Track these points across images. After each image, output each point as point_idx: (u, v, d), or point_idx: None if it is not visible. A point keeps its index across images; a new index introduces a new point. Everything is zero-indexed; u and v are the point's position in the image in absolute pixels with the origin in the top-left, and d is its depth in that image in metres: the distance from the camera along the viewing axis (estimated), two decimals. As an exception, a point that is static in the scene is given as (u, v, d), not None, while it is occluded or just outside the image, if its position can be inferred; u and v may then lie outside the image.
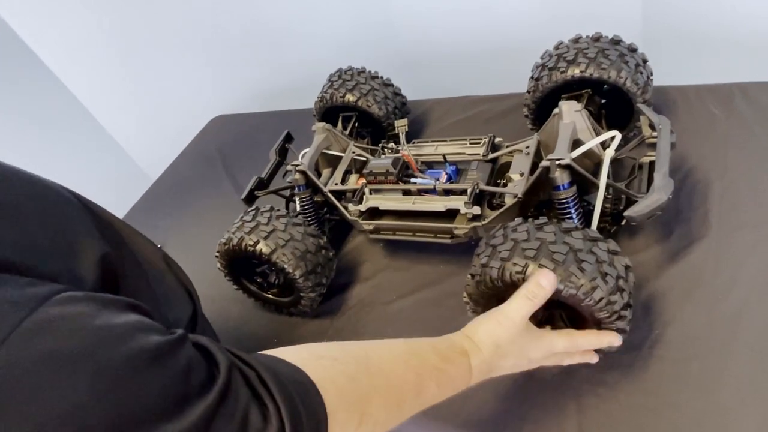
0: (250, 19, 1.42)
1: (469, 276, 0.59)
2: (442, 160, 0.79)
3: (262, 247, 0.72)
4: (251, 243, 0.72)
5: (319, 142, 0.86)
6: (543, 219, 0.57)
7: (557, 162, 0.61)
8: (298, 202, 0.84)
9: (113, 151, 1.61)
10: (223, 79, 1.54)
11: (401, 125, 0.81)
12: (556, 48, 0.76)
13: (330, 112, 0.97)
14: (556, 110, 0.68)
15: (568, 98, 0.77)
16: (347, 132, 0.95)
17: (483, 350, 0.50)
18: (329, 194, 0.82)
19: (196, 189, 1.22)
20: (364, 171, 0.81)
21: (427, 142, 0.85)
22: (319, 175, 0.90)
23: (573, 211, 0.63)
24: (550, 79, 0.74)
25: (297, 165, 0.82)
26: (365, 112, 0.93)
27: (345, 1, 1.44)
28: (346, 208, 0.81)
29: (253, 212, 0.77)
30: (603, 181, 0.63)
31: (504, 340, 0.51)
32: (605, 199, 0.65)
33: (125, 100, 1.56)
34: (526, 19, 1.20)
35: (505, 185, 0.73)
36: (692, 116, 0.82)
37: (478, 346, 0.50)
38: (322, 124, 0.86)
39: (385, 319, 0.77)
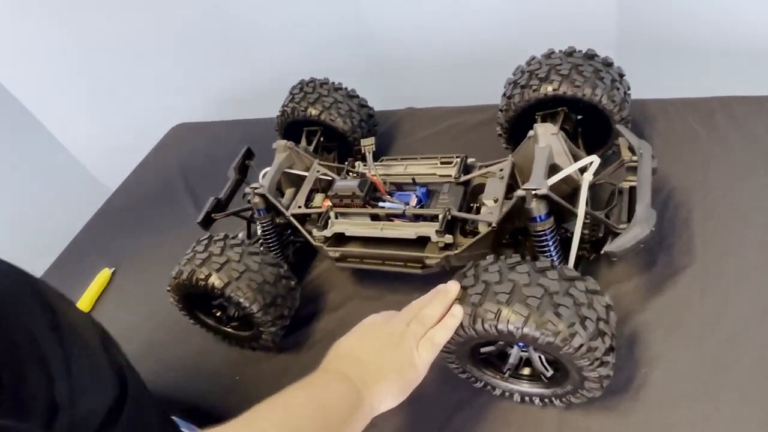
0: (213, 24, 1.34)
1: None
2: (412, 182, 0.74)
3: (215, 281, 0.66)
4: (202, 277, 0.66)
5: (280, 161, 0.80)
6: (515, 257, 0.52)
7: (534, 192, 0.56)
8: (259, 227, 0.78)
9: (69, 163, 1.52)
10: (186, 85, 1.47)
11: (367, 144, 0.75)
12: (528, 63, 0.72)
13: (293, 126, 0.91)
14: (531, 133, 0.63)
15: (543, 116, 0.73)
16: (312, 147, 0.89)
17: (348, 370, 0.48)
18: (292, 218, 0.76)
19: (153, 206, 1.14)
20: (329, 193, 0.75)
21: (396, 160, 0.79)
22: (281, 195, 0.84)
23: (551, 243, 0.58)
24: (522, 97, 0.70)
25: (256, 188, 0.75)
26: (330, 127, 0.87)
27: (313, 7, 1.39)
28: (310, 232, 0.76)
29: (206, 241, 0.71)
30: (581, 209, 0.58)
31: (356, 349, 0.51)
32: (583, 225, 0.61)
33: (79, 108, 1.47)
34: (499, 27, 1.16)
35: (478, 210, 0.68)
36: (672, 132, 0.78)
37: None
38: (284, 142, 0.80)
39: (352, 354, 0.71)
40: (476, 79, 1.42)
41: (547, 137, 0.62)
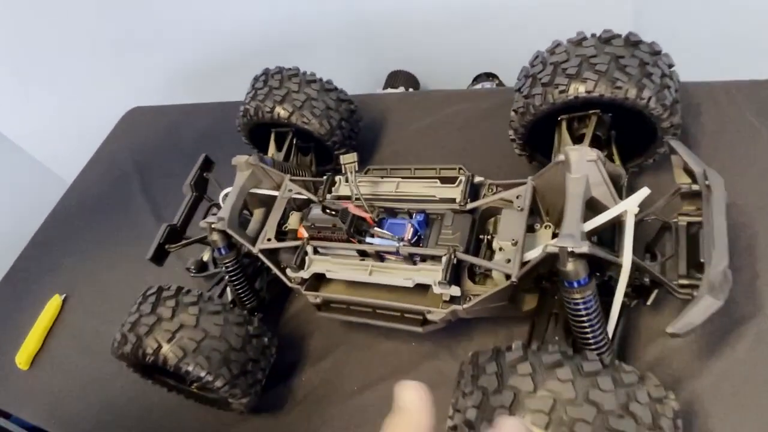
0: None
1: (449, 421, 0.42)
2: (406, 209, 0.59)
3: (167, 355, 0.53)
4: (151, 351, 0.53)
5: (242, 183, 0.65)
6: (554, 353, 0.39)
7: (570, 250, 0.42)
8: (221, 267, 0.64)
9: (20, 157, 1.34)
10: (141, 62, 1.27)
11: (348, 163, 0.60)
12: (552, 52, 0.56)
13: (259, 128, 0.75)
14: (560, 157, 0.48)
15: (570, 120, 0.58)
16: (282, 153, 0.74)
17: None
18: (261, 256, 0.62)
19: (106, 212, 0.99)
20: (305, 223, 0.61)
21: (386, 171, 0.64)
22: (250, 214, 0.69)
23: (592, 315, 0.45)
24: (544, 99, 0.54)
25: (212, 223, 0.61)
26: (303, 130, 0.71)
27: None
28: (285, 270, 0.62)
29: (153, 298, 0.57)
30: (627, 259, 0.45)
31: None
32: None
33: (22, 96, 1.27)
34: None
35: (489, 242, 0.55)
36: (724, 129, 0.64)
37: None
38: (244, 158, 0.65)
39: (346, 419, 0.60)
40: (479, 54, 1.25)
41: (582, 165, 0.47)
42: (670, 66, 0.54)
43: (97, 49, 1.23)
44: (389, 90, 1.42)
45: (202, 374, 0.53)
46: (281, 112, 0.69)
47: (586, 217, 0.47)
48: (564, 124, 0.57)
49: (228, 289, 0.68)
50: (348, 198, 0.61)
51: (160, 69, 1.28)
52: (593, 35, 0.54)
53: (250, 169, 0.65)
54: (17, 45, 1.19)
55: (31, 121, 1.29)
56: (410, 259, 0.56)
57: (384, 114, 0.87)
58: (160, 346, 0.53)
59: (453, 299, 0.53)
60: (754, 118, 0.62)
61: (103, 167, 1.11)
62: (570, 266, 0.43)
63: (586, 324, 0.45)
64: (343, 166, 0.61)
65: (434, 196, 0.59)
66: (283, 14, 1.29)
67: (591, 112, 0.56)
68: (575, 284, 0.43)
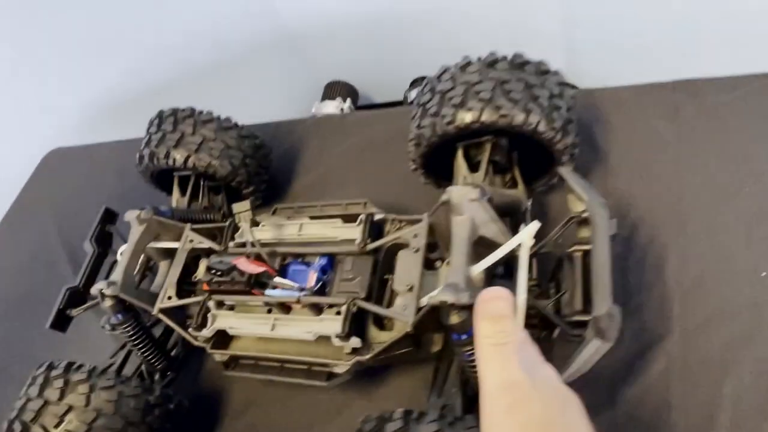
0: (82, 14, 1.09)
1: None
2: (307, 249, 0.57)
3: (55, 445, 0.49)
4: (36, 440, 0.49)
5: (136, 239, 0.61)
6: (433, 423, 0.37)
7: (451, 303, 0.40)
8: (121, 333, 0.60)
9: None
10: (59, 98, 1.21)
11: (241, 212, 0.57)
12: (439, 78, 0.53)
13: (162, 173, 0.71)
14: (444, 197, 0.46)
15: (467, 147, 0.55)
16: (186, 198, 0.70)
17: None
18: (162, 316, 0.58)
19: (24, 275, 0.93)
20: (204, 276, 0.58)
21: (293, 209, 0.62)
22: (152, 272, 0.66)
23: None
24: (433, 130, 0.52)
25: (102, 289, 0.57)
26: (203, 173, 0.68)
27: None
28: (188, 329, 0.58)
29: (42, 378, 0.53)
30: (521, 298, 0.42)
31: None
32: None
33: None
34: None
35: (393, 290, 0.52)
36: (630, 136, 0.62)
37: None
38: (136, 212, 0.61)
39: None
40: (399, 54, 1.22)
41: (465, 206, 0.44)
42: (560, 84, 0.52)
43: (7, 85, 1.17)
44: (326, 102, 1.39)
45: (97, 460, 0.49)
46: (177, 156, 0.66)
47: (481, 255, 0.45)
48: (460, 152, 0.55)
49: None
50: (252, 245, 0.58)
51: (79, 104, 1.22)
52: (479, 59, 0.52)
53: (144, 224, 0.62)
54: None
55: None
56: (315, 308, 0.53)
57: (304, 139, 0.84)
58: (46, 435, 0.49)
59: (356, 350, 0.50)
60: (659, 122, 0.61)
61: (21, 219, 1.05)
62: (454, 319, 0.40)
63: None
64: (236, 216, 0.58)
65: (335, 237, 0.56)
66: (208, 36, 1.25)
67: (484, 138, 0.53)
68: (462, 337, 0.41)
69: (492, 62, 0.51)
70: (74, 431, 0.49)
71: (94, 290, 0.58)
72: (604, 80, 0.65)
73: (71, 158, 1.12)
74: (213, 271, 0.57)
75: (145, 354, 0.61)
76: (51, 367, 0.54)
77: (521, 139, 0.54)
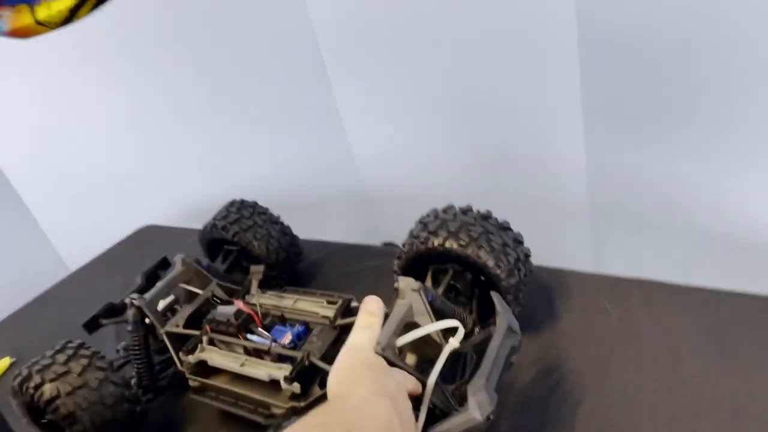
0: (197, 138, 1.44)
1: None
2: (294, 316, 0.70)
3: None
4: (33, 384, 0.62)
5: (174, 274, 0.78)
6: None
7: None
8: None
9: (35, 236, 1.57)
10: (163, 187, 1.53)
11: (255, 272, 0.73)
12: (427, 215, 0.71)
13: (214, 243, 0.90)
14: (395, 284, 0.59)
15: (435, 271, 0.70)
16: (224, 266, 0.88)
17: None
18: (165, 336, 0.72)
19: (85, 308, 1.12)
20: (208, 317, 0.72)
21: (298, 292, 0.76)
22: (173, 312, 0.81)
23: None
24: (411, 248, 0.67)
25: (134, 299, 0.73)
26: (245, 249, 0.86)
27: (301, 131, 1.47)
28: (179, 355, 0.71)
29: (61, 345, 0.67)
30: (432, 377, 0.52)
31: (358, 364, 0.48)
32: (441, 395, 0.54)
33: (60, 188, 1.54)
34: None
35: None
36: (584, 310, 0.73)
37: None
38: (181, 256, 0.79)
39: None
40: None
41: (408, 293, 0.58)
42: (517, 241, 0.67)
43: (134, 163, 1.50)
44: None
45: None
46: (230, 231, 0.85)
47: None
48: (430, 272, 0.69)
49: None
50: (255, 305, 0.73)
51: (179, 194, 1.52)
52: (459, 207, 0.69)
53: (185, 267, 0.79)
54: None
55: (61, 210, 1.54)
56: (279, 359, 0.65)
57: (325, 258, 1.01)
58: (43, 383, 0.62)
59: (296, 396, 0.60)
60: (608, 303, 0.72)
61: (98, 269, 1.28)
62: (365, 364, 0.51)
63: None
64: (250, 272, 0.74)
65: (317, 313, 0.70)
66: (303, 177, 1.53)
67: (449, 265, 0.67)
68: (368, 382, 0.51)
69: (465, 210, 0.68)
70: (62, 389, 0.61)
71: (127, 299, 0.74)
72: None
73: (160, 235, 1.37)
74: (217, 317, 0.71)
75: (138, 366, 0.73)
76: (70, 341, 0.68)
77: (486, 282, 0.68)
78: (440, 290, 0.66)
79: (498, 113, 1.15)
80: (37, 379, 0.62)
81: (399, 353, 0.56)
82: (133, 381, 0.73)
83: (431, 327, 0.55)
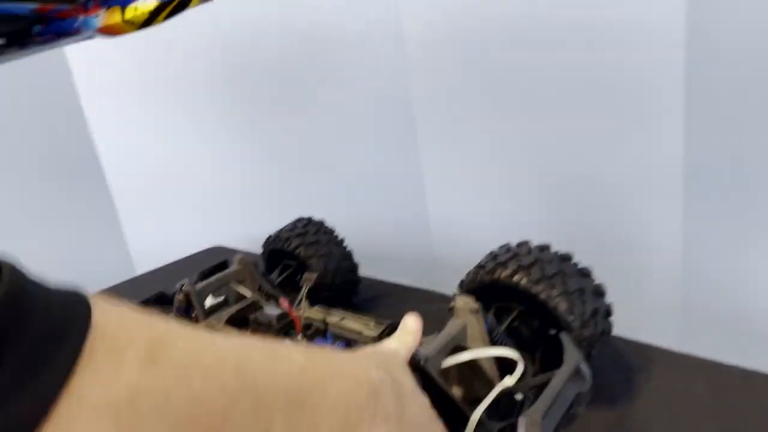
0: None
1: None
2: (337, 332, 0.65)
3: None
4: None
5: (230, 272, 0.77)
6: None
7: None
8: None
9: (114, 236, 1.65)
10: (241, 211, 1.57)
11: (307, 279, 0.70)
12: (500, 248, 0.65)
13: (274, 255, 0.89)
14: (452, 303, 0.53)
15: (497, 309, 0.63)
16: (278, 279, 0.85)
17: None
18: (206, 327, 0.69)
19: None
20: (251, 316, 0.69)
21: (349, 312, 0.72)
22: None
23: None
24: (475, 277, 0.61)
25: (183, 284, 0.72)
26: (303, 264, 0.84)
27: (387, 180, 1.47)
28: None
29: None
30: (476, 415, 0.45)
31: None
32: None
33: (149, 197, 1.63)
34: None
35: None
36: (666, 390, 0.61)
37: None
38: (242, 256, 0.78)
39: None
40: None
41: (465, 313, 0.51)
42: (599, 292, 0.59)
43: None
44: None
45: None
46: (292, 243, 0.84)
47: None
48: (492, 311, 0.62)
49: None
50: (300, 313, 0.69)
51: (251, 220, 1.55)
52: (537, 245, 0.63)
53: (241, 266, 0.78)
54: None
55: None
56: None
57: (384, 296, 0.96)
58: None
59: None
60: (703, 390, 0.60)
61: (166, 276, 1.31)
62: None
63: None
64: (303, 280, 0.71)
65: (361, 333, 0.64)
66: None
67: (513, 305, 0.61)
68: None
69: (542, 248, 0.61)
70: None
71: (177, 284, 0.73)
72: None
73: (225, 255, 1.39)
74: (260, 318, 0.69)
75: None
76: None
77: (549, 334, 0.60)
78: (501, 328, 0.59)
79: (589, 185, 1.09)
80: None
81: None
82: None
83: (486, 351, 0.48)
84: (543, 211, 1.22)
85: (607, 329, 0.59)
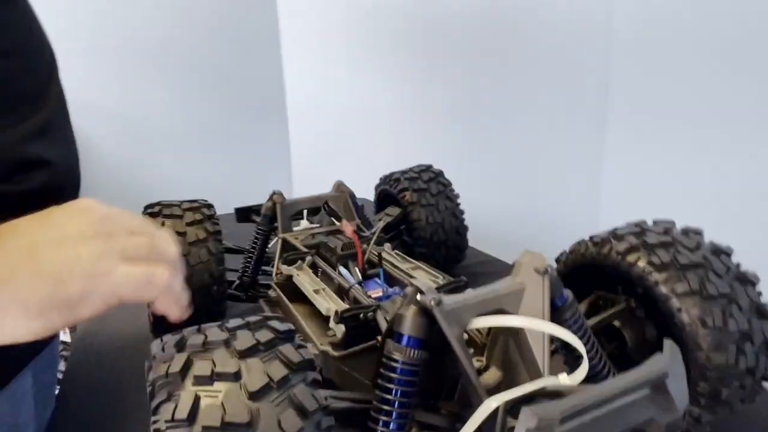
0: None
1: None
2: (400, 277, 0.56)
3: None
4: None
5: (322, 195, 0.72)
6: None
7: (419, 290, 0.34)
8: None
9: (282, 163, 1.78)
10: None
11: (388, 213, 0.61)
12: (627, 224, 0.47)
13: (384, 198, 0.82)
14: (517, 258, 0.40)
15: (597, 298, 0.46)
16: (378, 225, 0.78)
17: None
18: (279, 241, 0.66)
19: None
20: (322, 240, 0.64)
21: (414, 261, 0.62)
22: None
23: (396, 383, 0.33)
24: (578, 250, 0.46)
25: (275, 193, 0.69)
26: (407, 212, 0.75)
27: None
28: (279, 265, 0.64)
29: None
30: (494, 402, 0.32)
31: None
32: None
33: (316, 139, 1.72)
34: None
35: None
36: None
37: None
38: (340, 182, 0.73)
39: None
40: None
41: (526, 272, 0.37)
42: (761, 311, 0.39)
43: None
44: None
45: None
46: (399, 187, 0.75)
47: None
48: (590, 298, 0.46)
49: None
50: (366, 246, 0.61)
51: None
52: (678, 227, 0.44)
53: (338, 192, 0.73)
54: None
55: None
56: (353, 301, 0.52)
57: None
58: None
59: (334, 345, 0.46)
60: None
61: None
62: (407, 311, 0.34)
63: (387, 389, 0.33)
64: (382, 213, 0.62)
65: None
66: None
67: (621, 294, 0.44)
68: (401, 339, 0.33)
69: (686, 231, 0.43)
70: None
71: (270, 193, 0.71)
72: None
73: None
74: (328, 242, 0.62)
75: (247, 257, 0.69)
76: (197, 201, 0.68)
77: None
78: (591, 322, 0.43)
79: None
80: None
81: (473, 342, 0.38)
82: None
83: (534, 323, 0.34)
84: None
85: (762, 369, 0.38)
